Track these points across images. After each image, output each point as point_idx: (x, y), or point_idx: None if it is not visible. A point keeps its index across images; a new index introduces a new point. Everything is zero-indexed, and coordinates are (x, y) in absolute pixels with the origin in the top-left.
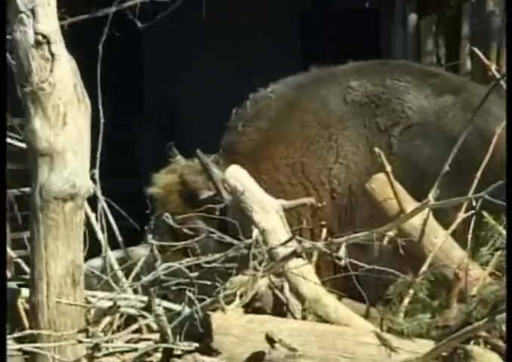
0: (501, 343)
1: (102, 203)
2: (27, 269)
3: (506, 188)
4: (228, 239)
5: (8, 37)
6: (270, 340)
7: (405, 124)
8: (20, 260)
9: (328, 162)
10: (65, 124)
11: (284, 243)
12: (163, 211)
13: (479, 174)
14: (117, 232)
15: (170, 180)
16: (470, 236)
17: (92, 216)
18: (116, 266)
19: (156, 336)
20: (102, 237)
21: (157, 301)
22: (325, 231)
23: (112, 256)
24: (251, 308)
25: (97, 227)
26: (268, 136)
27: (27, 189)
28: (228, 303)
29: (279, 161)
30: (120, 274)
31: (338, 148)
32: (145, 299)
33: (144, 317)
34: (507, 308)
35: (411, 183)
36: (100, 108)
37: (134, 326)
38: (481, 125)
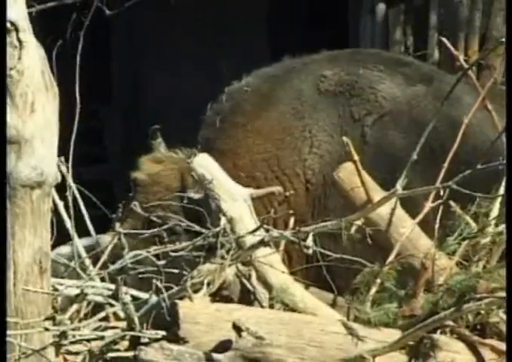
0: (467, 333)
1: (73, 189)
2: None
3: (506, 186)
4: (196, 228)
5: None
6: (237, 328)
7: (379, 113)
8: None
9: (302, 153)
10: (33, 111)
11: (252, 232)
12: (144, 199)
13: (446, 163)
14: (86, 220)
15: (156, 170)
16: (437, 226)
17: (60, 203)
18: (84, 254)
19: (123, 324)
20: (70, 224)
21: (124, 289)
22: (292, 220)
23: (80, 243)
24: (218, 296)
25: (65, 215)
26: (245, 131)
27: None
28: (195, 291)
29: (256, 156)
30: (87, 261)
31: (312, 139)
32: (112, 286)
33: (111, 305)
34: (507, 307)
35: (385, 173)
36: (77, 96)
37: (101, 314)
38: (454, 114)
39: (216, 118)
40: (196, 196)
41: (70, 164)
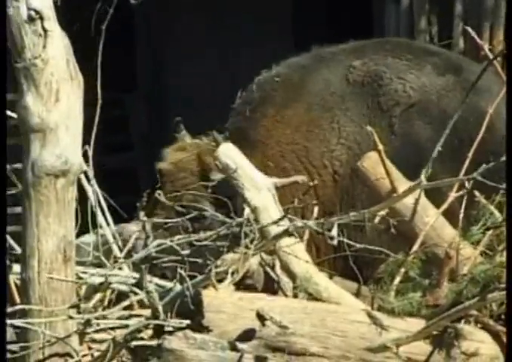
0: (491, 322)
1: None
2: (14, 245)
3: (506, 186)
4: (220, 217)
5: None
6: (261, 317)
7: (407, 103)
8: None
9: (330, 144)
10: (57, 100)
11: (276, 222)
12: (171, 187)
13: (471, 154)
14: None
15: (181, 157)
16: (461, 215)
17: (89, 190)
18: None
19: (147, 313)
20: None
21: (148, 277)
22: (316, 209)
23: (108, 232)
24: (242, 285)
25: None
26: (275, 121)
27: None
28: (219, 281)
29: (285, 146)
30: (112, 250)
31: (340, 129)
32: (136, 275)
33: (135, 294)
34: (508, 307)
35: (412, 163)
36: (98, 85)
37: (125, 303)
38: (483, 105)
39: (246, 108)
40: (218, 177)
41: (91, 152)
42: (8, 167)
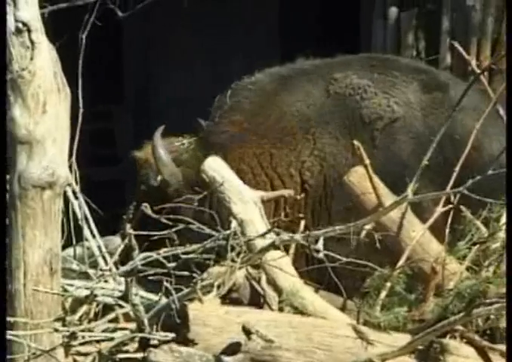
0: (476, 337)
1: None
2: None
3: (506, 188)
4: (207, 230)
5: None
6: (247, 331)
7: (390, 118)
8: None
9: (302, 155)
10: (44, 112)
11: (262, 235)
12: (140, 174)
13: (457, 168)
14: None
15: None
16: (447, 230)
17: (75, 203)
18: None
19: (133, 326)
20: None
21: (134, 290)
22: (303, 223)
23: (94, 244)
24: (228, 299)
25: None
26: (241, 128)
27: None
28: (205, 294)
29: (248, 150)
30: (98, 263)
31: (315, 141)
32: (122, 288)
33: (121, 307)
34: (507, 309)
35: (393, 177)
36: (80, 97)
37: (111, 316)
38: (469, 123)
39: (217, 113)
40: (155, 183)
41: (75, 165)
42: None
